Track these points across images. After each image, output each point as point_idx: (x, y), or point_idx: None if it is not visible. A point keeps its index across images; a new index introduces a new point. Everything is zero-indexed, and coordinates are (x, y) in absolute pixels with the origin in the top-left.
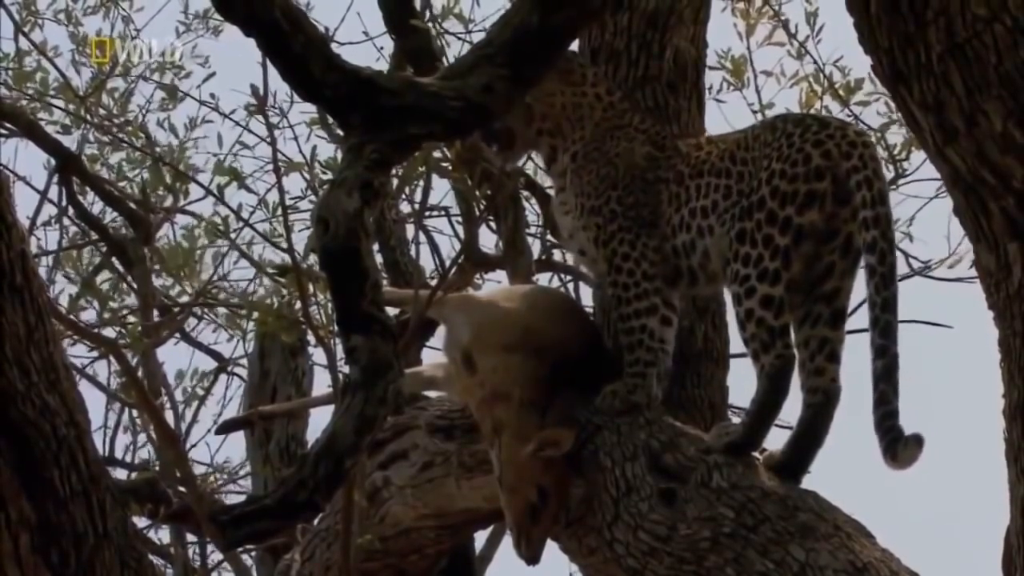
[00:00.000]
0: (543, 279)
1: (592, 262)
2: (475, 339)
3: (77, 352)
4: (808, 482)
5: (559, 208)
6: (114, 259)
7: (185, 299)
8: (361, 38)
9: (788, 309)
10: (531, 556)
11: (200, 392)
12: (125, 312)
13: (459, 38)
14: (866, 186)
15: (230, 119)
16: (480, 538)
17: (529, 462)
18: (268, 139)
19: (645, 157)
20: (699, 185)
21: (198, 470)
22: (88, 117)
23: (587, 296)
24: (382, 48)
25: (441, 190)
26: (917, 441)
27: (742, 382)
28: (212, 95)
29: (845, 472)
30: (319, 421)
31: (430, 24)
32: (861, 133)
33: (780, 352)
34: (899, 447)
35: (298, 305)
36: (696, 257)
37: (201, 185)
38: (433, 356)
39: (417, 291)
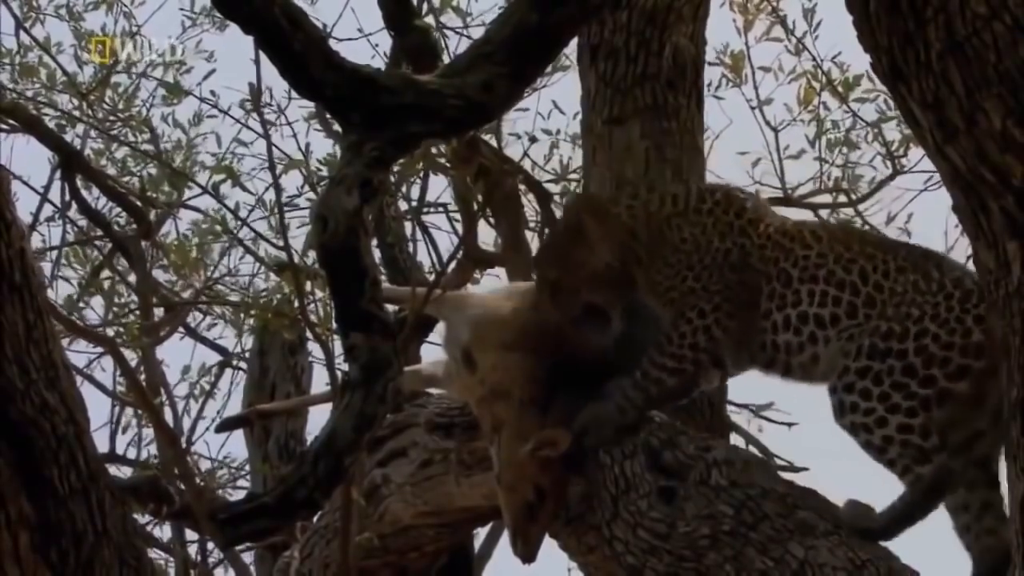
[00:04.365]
0: None
1: None
2: (474, 337)
3: (79, 349)
4: (808, 479)
5: None
6: (117, 255)
7: (188, 295)
8: (358, 34)
9: (935, 432)
10: (527, 555)
11: (204, 387)
12: (126, 311)
13: (457, 32)
14: None
15: (230, 116)
16: (479, 536)
17: (527, 461)
18: (264, 136)
19: (725, 242)
20: (812, 291)
21: (203, 466)
22: (90, 113)
23: None
24: (377, 45)
25: (439, 187)
26: None
27: (741, 380)
28: (212, 92)
29: (845, 470)
30: (318, 419)
31: (428, 17)
32: None
33: (942, 463)
34: None
35: (297, 303)
36: (801, 358)
37: (198, 184)
38: (433, 353)
39: (415, 288)
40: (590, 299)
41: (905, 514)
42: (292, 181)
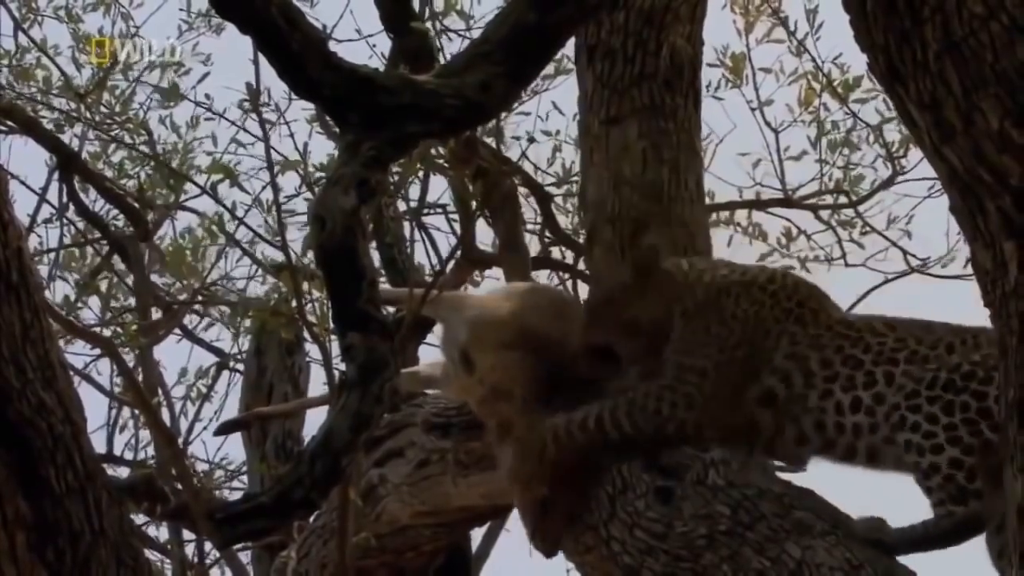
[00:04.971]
0: (540, 277)
1: None
2: (472, 338)
3: (77, 351)
4: (804, 479)
5: None
6: (115, 257)
7: (185, 296)
8: (357, 36)
9: (980, 477)
10: (548, 551)
11: (201, 389)
12: (124, 311)
13: (460, 35)
14: None
15: (226, 119)
16: (477, 535)
17: (541, 456)
18: (263, 137)
19: (775, 328)
20: (889, 372)
21: (200, 468)
22: (88, 115)
23: (584, 294)
24: (375, 46)
25: (438, 187)
26: None
27: None
28: (207, 95)
29: (842, 470)
30: (315, 419)
31: (431, 21)
32: None
33: (976, 509)
34: None
35: (294, 303)
36: (872, 439)
37: (196, 183)
38: (431, 354)
39: (412, 289)
40: (614, 345)
41: (923, 539)
42: (290, 182)
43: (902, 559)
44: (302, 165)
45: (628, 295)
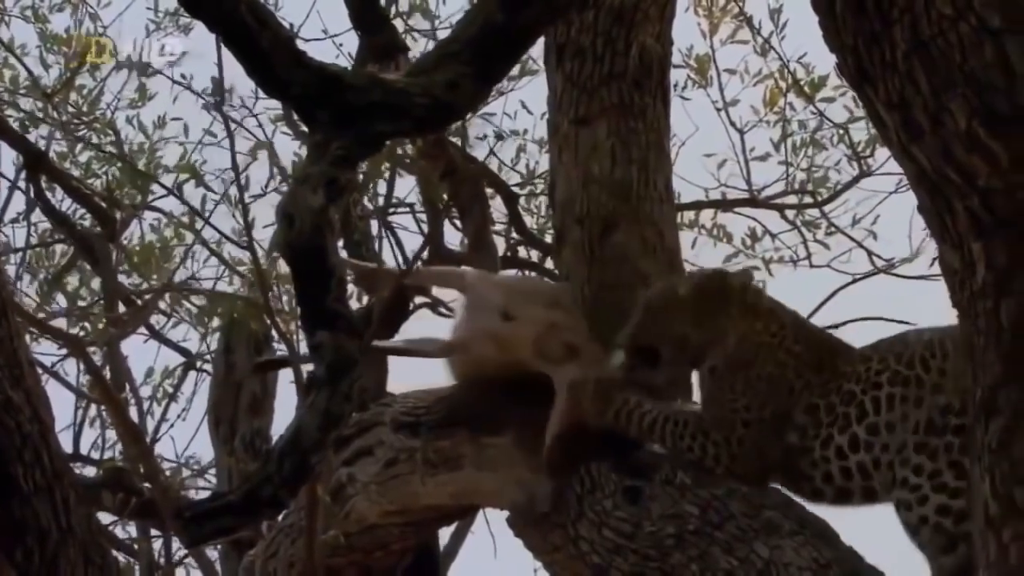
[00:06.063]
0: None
1: None
2: (510, 299)
3: (46, 351)
4: None
5: None
6: (82, 256)
7: (151, 295)
8: (323, 35)
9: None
10: (554, 470)
11: (168, 390)
12: (92, 305)
13: (425, 35)
14: None
15: (201, 96)
16: (445, 534)
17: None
18: (229, 135)
19: (797, 382)
20: (876, 398)
21: (167, 466)
22: (55, 115)
23: None
24: (342, 45)
25: (405, 186)
26: None
27: None
28: (184, 75)
29: None
30: (284, 417)
31: (396, 20)
32: None
33: (964, 556)
34: None
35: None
36: (882, 473)
37: (162, 184)
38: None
39: (383, 269)
40: (659, 347)
41: None
42: (258, 179)
43: (876, 561)
44: (270, 146)
45: (683, 314)
